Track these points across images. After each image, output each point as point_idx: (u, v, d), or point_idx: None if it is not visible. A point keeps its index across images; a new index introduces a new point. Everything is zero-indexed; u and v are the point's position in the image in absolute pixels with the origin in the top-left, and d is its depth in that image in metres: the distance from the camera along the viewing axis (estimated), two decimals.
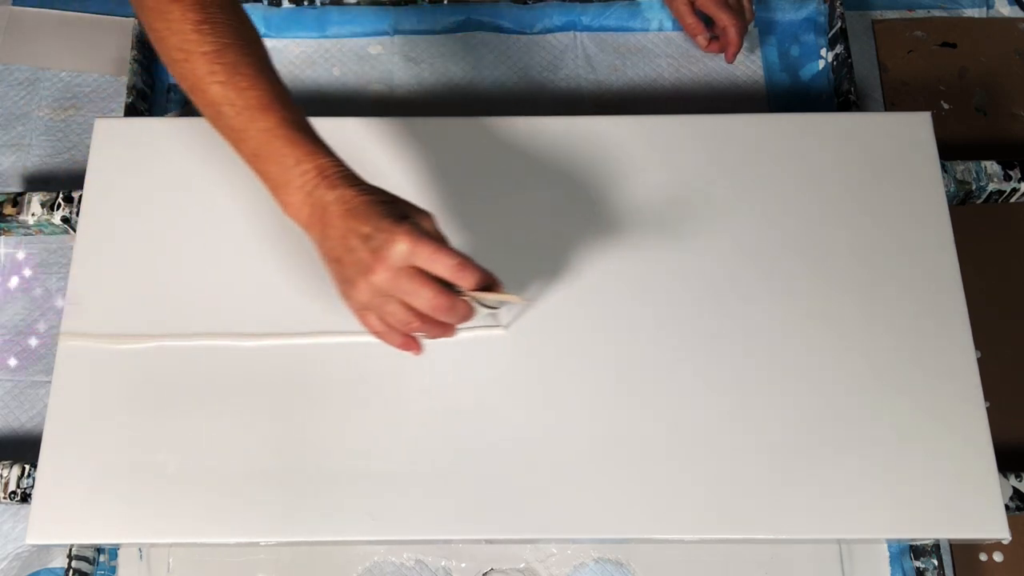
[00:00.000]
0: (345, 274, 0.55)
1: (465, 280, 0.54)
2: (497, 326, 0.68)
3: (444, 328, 0.57)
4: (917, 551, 0.70)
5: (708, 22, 0.86)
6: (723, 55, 0.87)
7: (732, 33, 0.84)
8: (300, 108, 0.58)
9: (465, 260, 0.54)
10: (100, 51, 0.92)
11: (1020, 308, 0.81)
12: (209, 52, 0.56)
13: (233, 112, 0.56)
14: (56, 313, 0.80)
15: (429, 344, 0.59)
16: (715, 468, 0.64)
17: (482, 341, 0.68)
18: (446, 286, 0.55)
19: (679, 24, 0.88)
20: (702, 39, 0.86)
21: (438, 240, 0.55)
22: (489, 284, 0.56)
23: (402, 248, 0.53)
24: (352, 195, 0.55)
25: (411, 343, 0.59)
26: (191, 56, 0.56)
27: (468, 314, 0.56)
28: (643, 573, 0.71)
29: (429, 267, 0.54)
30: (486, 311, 0.60)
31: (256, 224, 0.71)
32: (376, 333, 0.58)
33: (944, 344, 0.68)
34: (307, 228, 0.57)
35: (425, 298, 0.54)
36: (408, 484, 0.64)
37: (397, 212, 0.55)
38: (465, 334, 0.68)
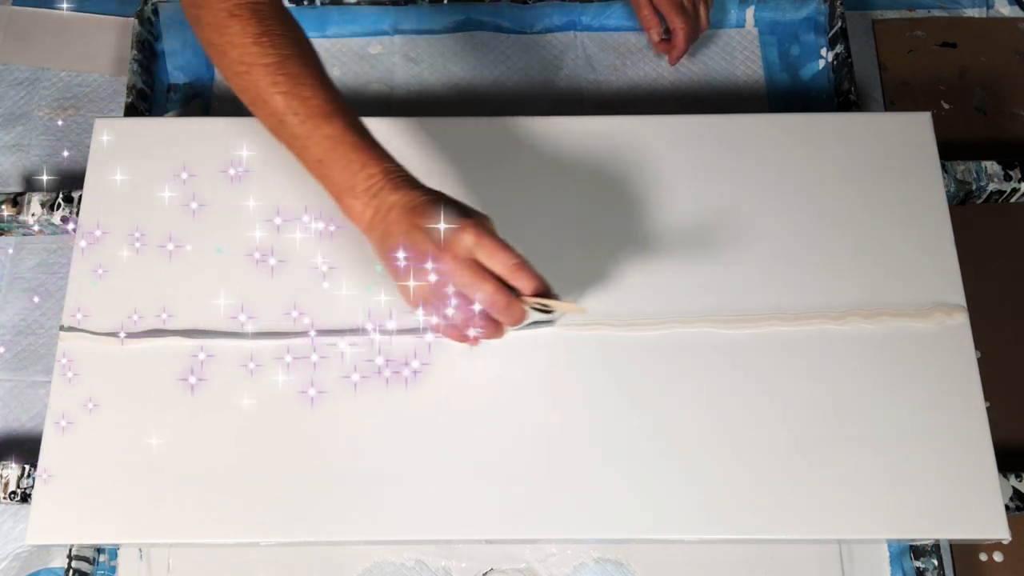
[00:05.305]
0: (406, 269, 0.57)
1: (521, 280, 0.56)
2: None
3: (496, 328, 0.59)
4: (917, 551, 0.70)
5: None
6: (669, 56, 0.87)
7: (680, 37, 0.84)
8: (356, 111, 0.60)
9: (523, 262, 0.56)
10: (100, 51, 0.92)
11: (1020, 308, 0.81)
12: (270, 64, 0.58)
13: (297, 121, 0.58)
14: (56, 313, 0.80)
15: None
16: (715, 468, 0.64)
17: (481, 343, 0.68)
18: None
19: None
20: (655, 33, 0.86)
21: (499, 239, 0.56)
22: (544, 292, 0.57)
23: (467, 239, 0.55)
24: (416, 196, 0.57)
25: (467, 337, 0.60)
26: (252, 69, 0.58)
27: (521, 317, 0.57)
28: (643, 573, 0.71)
29: (489, 262, 0.55)
30: (537, 316, 0.61)
31: (256, 224, 0.71)
32: (434, 328, 0.62)
33: (944, 344, 0.68)
34: (368, 230, 0.59)
35: (485, 292, 0.55)
36: (408, 484, 0.64)
37: (460, 210, 0.57)
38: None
